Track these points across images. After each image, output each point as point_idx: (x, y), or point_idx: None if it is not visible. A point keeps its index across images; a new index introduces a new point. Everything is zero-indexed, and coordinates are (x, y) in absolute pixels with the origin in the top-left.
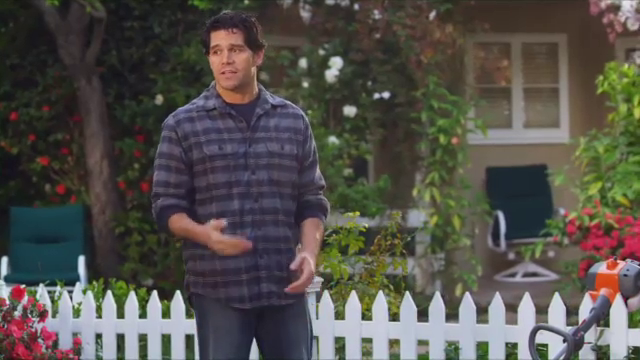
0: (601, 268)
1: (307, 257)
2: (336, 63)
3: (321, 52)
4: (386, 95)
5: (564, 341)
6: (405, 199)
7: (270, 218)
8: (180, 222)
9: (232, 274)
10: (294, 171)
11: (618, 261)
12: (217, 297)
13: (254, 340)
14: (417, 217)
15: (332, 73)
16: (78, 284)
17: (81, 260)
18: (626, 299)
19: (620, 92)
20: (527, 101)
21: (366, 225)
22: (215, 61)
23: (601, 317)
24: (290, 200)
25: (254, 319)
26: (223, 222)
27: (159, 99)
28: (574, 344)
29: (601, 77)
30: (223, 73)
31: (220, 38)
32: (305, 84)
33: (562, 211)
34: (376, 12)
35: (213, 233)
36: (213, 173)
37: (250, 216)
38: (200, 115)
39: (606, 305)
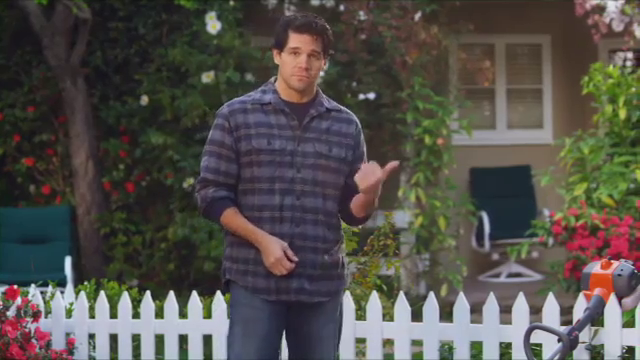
0: (595, 268)
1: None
2: None
3: None
4: (371, 96)
5: (559, 341)
6: (390, 200)
7: (310, 217)
8: (235, 219)
9: (263, 265)
10: (341, 174)
11: (612, 261)
12: (245, 285)
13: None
14: (402, 218)
15: None
16: (69, 284)
17: (67, 261)
18: (620, 299)
19: (605, 93)
20: (511, 102)
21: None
22: (290, 62)
23: (595, 317)
24: (332, 202)
25: (284, 310)
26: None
27: (144, 100)
28: (569, 344)
29: (586, 78)
30: (295, 75)
31: (303, 42)
32: None
33: (546, 212)
34: (361, 13)
35: (279, 250)
36: (258, 166)
37: (290, 212)
38: (254, 108)
39: (600, 305)
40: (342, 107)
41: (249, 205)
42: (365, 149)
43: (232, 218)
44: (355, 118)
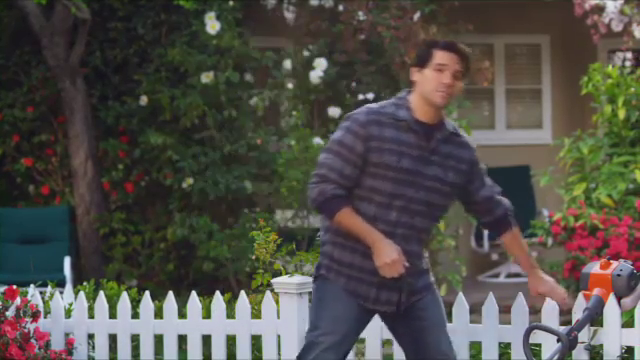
0: (594, 268)
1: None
2: (320, 64)
3: (305, 53)
4: (370, 96)
5: (558, 341)
6: None
7: (417, 235)
8: (353, 217)
9: (367, 274)
10: (449, 198)
11: (611, 261)
12: (346, 288)
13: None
14: None
15: (316, 74)
16: (69, 285)
17: (67, 261)
18: (619, 299)
19: (604, 93)
20: (510, 102)
21: None
22: (434, 77)
23: (595, 317)
24: (436, 222)
25: (370, 318)
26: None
27: (143, 100)
28: (568, 344)
29: (585, 78)
30: (439, 91)
31: (449, 60)
32: (289, 85)
33: (545, 212)
34: (360, 13)
35: (396, 253)
36: (382, 180)
37: (402, 230)
38: (389, 122)
39: (600, 305)
40: (459, 129)
41: (363, 212)
42: (481, 165)
43: (349, 216)
44: (470, 142)
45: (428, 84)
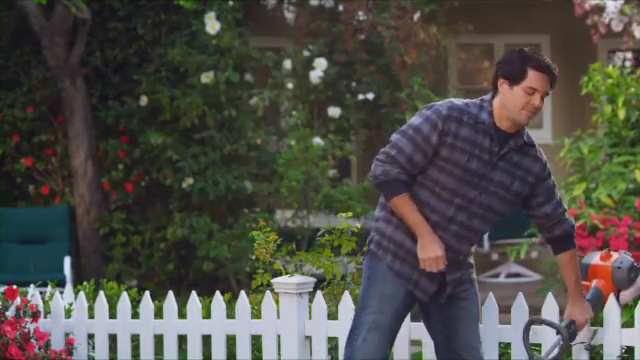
0: (594, 259)
1: (576, 319)
2: (320, 64)
3: (305, 53)
4: (370, 96)
5: (557, 334)
6: None
7: (470, 236)
8: (409, 204)
9: (413, 258)
10: (510, 206)
11: (612, 252)
12: (391, 266)
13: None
14: None
15: (316, 74)
16: (69, 285)
17: (67, 261)
18: (619, 291)
19: (604, 93)
20: None
21: (359, 226)
22: (523, 97)
23: (593, 308)
24: (491, 226)
25: (415, 300)
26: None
27: (143, 100)
28: (568, 336)
29: (585, 78)
30: (525, 110)
31: (541, 83)
32: (289, 85)
33: None
34: (360, 13)
35: (440, 250)
36: (448, 175)
37: (456, 227)
38: (469, 123)
39: (598, 297)
40: (535, 143)
41: (422, 201)
42: (551, 182)
43: (406, 202)
44: (542, 157)
45: (515, 102)
